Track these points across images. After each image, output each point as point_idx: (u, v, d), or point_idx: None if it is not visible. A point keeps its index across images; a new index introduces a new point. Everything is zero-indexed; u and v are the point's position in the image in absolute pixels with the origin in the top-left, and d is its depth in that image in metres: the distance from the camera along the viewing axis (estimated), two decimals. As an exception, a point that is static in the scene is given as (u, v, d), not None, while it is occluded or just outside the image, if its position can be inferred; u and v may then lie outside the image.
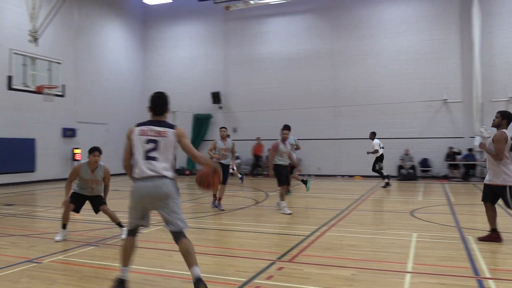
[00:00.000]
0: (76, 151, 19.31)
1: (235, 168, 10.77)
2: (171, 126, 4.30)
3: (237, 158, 19.95)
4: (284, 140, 9.80)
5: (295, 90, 21.15)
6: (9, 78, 11.86)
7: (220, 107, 22.43)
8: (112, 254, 6.02)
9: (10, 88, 12.02)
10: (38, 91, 12.51)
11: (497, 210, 6.60)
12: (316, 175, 19.80)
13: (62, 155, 19.16)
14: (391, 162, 18.10)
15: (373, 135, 15.15)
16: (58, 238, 6.84)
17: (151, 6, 23.66)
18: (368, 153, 15.26)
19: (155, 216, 8.56)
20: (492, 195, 6.53)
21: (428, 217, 8.85)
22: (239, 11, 21.40)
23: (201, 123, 22.68)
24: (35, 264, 5.50)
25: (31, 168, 17.59)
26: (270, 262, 5.49)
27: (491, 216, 6.53)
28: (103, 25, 21.83)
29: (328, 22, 20.76)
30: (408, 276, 4.97)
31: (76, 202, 7.00)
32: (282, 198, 9.59)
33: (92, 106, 20.80)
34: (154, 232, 7.48)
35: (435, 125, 18.94)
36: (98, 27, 21.54)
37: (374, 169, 15.22)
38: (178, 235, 4.23)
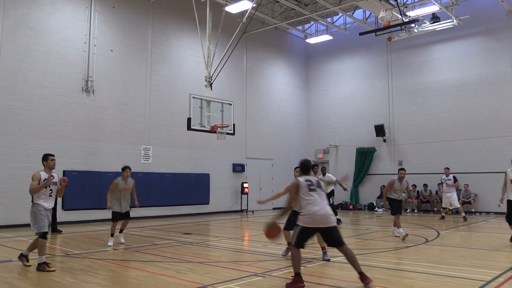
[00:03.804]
0: (245, 185, 20.51)
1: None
2: None
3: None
4: (400, 179, 11.00)
5: (467, 119, 19.43)
6: (189, 120, 13.17)
7: (384, 140, 21.74)
8: (278, 286, 6.10)
9: (189, 128, 13.34)
10: (212, 130, 13.61)
11: None
12: (496, 213, 17.67)
13: (232, 189, 20.53)
14: None
15: (324, 170, 14.81)
16: (110, 243, 9.85)
17: (312, 44, 24.43)
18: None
19: (318, 251, 8.46)
20: None
21: None
22: (402, 41, 20.76)
23: (364, 156, 22.23)
24: (209, 290, 5.86)
25: (206, 201, 19.21)
26: (445, 307, 4.96)
27: None
28: (268, 67, 23.21)
29: (506, 42, 18.75)
30: None
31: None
32: (395, 225, 11.10)
33: (259, 143, 22.03)
34: (318, 267, 7.42)
35: None
36: (264, 68, 22.97)
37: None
38: None
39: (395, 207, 11.03)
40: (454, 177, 16.19)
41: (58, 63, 15.11)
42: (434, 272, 6.98)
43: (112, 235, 10.06)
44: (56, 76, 15.02)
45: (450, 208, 16.53)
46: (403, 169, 11.28)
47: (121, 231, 10.43)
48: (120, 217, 10.20)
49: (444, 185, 16.24)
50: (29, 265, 7.46)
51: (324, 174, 14.68)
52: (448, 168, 16.63)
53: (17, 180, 13.68)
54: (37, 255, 7.31)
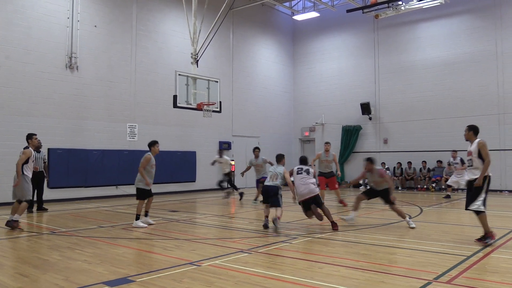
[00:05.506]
0: (231, 162, 20.50)
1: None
2: None
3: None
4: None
5: (452, 97, 19.60)
6: (175, 97, 13.03)
7: (370, 118, 21.87)
8: (263, 262, 6.20)
9: (175, 106, 13.20)
10: (198, 108, 13.50)
11: None
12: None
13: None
14: None
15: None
16: (150, 221, 9.63)
17: (299, 21, 24.26)
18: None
19: (308, 227, 8.56)
20: None
21: None
22: (389, 19, 20.70)
23: (350, 134, 22.38)
24: (196, 266, 5.92)
25: (192, 179, 19.24)
26: (425, 282, 5.09)
27: None
28: (255, 44, 23.02)
29: (491, 21, 18.83)
30: None
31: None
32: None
33: (245, 120, 22.01)
34: (303, 243, 7.53)
35: None
36: (251, 45, 22.78)
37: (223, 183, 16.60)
38: None
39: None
40: (461, 159, 15.24)
41: (41, 39, 14.79)
42: (417, 248, 7.14)
43: (139, 216, 9.40)
44: (39, 52, 14.71)
45: (457, 187, 15.86)
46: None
47: (146, 214, 9.75)
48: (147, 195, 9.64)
49: (453, 169, 15.74)
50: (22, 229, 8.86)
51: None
52: (456, 151, 15.97)
53: (0, 158, 13.53)
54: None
